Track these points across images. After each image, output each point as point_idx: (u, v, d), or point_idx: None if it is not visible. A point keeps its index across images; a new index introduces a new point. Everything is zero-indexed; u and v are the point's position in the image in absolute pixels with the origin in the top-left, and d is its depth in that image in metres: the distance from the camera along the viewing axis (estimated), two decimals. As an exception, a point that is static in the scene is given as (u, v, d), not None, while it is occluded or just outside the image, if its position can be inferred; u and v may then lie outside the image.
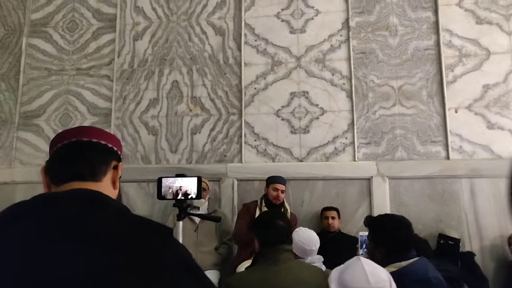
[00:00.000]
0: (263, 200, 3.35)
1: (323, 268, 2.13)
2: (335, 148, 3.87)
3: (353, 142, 3.83)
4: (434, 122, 3.77)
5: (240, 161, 3.96)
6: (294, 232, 2.11)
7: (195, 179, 2.03)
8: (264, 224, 1.88)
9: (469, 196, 3.60)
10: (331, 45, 4.03)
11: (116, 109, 4.24)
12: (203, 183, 2.78)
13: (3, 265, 0.65)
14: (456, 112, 3.75)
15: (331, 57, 4.01)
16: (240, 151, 3.98)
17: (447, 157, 3.68)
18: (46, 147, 4.21)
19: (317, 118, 3.94)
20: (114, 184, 0.91)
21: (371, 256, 1.78)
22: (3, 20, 4.61)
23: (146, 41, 4.31)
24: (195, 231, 3.42)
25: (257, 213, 3.26)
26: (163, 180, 2.04)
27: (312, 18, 4.11)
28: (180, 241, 1.74)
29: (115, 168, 0.92)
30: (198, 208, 3.32)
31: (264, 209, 3.27)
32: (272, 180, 3.38)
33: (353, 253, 2.86)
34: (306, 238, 2.20)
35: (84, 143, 0.89)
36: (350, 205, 3.72)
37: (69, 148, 0.88)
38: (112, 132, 3.96)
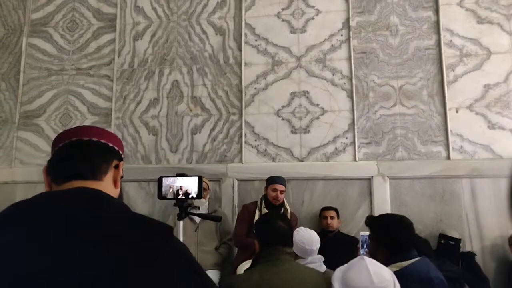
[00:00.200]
0: (263, 201, 3.35)
1: (324, 268, 2.12)
2: (336, 148, 3.86)
3: (353, 142, 3.83)
4: (435, 122, 3.76)
5: (241, 161, 3.95)
6: (294, 232, 2.11)
7: (196, 178, 2.02)
8: (265, 225, 1.88)
9: (470, 196, 3.59)
10: (332, 45, 4.03)
11: (116, 109, 4.23)
12: (203, 183, 2.78)
13: (7, 264, 0.65)
14: (457, 112, 3.75)
15: (331, 57, 4.01)
16: (240, 151, 3.97)
17: (448, 157, 3.68)
18: (46, 147, 4.21)
19: (318, 118, 3.94)
20: (115, 183, 0.91)
21: (373, 256, 1.77)
22: (3, 20, 4.60)
23: (146, 41, 4.31)
24: (195, 230, 3.42)
25: (257, 214, 3.26)
26: (164, 179, 2.04)
27: (313, 18, 4.11)
28: (181, 240, 1.74)
29: (116, 167, 0.92)
30: (199, 208, 3.32)
31: (264, 210, 3.27)
32: (271, 181, 3.37)
33: (352, 253, 2.87)
34: (307, 238, 2.20)
35: (85, 143, 0.89)
36: (351, 205, 3.72)
37: (70, 147, 0.89)
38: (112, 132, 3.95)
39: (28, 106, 4.37)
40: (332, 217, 3.48)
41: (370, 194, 3.70)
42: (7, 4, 4.62)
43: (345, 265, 1.52)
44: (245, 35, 4.16)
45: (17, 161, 4.28)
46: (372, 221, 1.91)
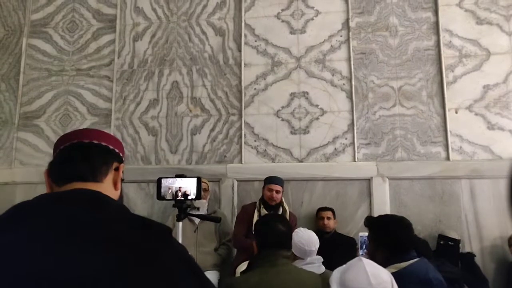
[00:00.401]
0: (261, 202, 3.35)
1: (323, 268, 2.12)
2: (335, 148, 3.87)
3: (353, 143, 3.83)
4: (434, 123, 3.77)
5: (240, 161, 3.96)
6: (294, 232, 2.11)
7: (195, 179, 2.03)
8: (264, 226, 1.88)
9: (469, 197, 3.60)
10: (331, 46, 4.03)
11: (116, 109, 4.24)
12: (203, 184, 2.78)
13: (8, 264, 0.66)
14: (456, 112, 3.75)
15: (331, 57, 4.01)
16: (240, 151, 3.98)
17: (447, 158, 3.68)
18: (46, 148, 4.21)
19: (317, 118, 3.94)
20: (115, 185, 0.92)
21: (372, 256, 1.78)
22: (3, 21, 4.61)
23: (146, 41, 4.31)
24: (194, 231, 3.42)
25: (255, 215, 3.26)
26: (163, 180, 2.04)
27: (312, 19, 4.11)
28: (180, 241, 1.74)
29: (117, 169, 0.93)
30: (198, 208, 3.32)
31: (263, 210, 3.27)
32: (268, 181, 3.38)
33: (349, 253, 2.86)
34: (306, 238, 2.20)
35: (85, 145, 0.91)
36: (350, 205, 3.72)
37: (71, 149, 0.91)
38: (112, 133, 3.97)
39: (28, 107, 4.38)
40: (328, 218, 3.48)
41: (370, 194, 3.70)
42: (7, 5, 4.62)
43: (343, 266, 1.52)
44: (245, 35, 4.16)
45: (17, 161, 4.28)
46: (372, 222, 1.91)
